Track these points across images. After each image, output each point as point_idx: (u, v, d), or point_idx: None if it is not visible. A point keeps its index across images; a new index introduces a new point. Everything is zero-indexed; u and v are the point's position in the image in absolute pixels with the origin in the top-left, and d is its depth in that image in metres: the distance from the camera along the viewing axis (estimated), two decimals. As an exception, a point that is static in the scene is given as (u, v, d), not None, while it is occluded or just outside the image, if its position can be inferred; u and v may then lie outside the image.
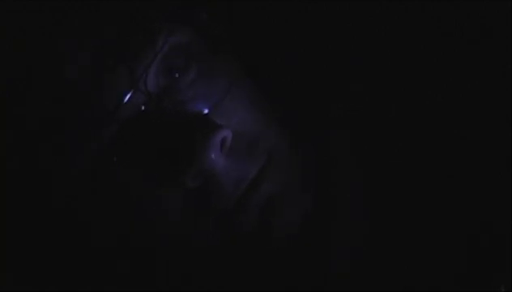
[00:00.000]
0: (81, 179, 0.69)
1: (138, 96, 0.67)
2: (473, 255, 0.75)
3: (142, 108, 0.68)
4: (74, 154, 0.69)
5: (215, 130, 0.67)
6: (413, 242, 0.76)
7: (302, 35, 0.82)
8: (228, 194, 0.69)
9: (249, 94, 0.73)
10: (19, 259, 0.74)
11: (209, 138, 0.67)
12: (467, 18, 0.78)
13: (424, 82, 0.79)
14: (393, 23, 0.80)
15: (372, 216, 0.77)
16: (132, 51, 0.67)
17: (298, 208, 0.73)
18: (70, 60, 0.68)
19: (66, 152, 0.69)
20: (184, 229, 0.71)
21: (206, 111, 0.69)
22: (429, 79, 0.79)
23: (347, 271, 0.76)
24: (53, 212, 0.71)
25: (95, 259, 0.72)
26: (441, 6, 0.78)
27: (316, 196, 0.76)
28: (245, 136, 0.70)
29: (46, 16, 0.68)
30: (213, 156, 0.67)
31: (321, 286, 0.75)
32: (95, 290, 0.73)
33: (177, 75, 0.69)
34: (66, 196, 0.70)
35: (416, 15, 0.79)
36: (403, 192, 0.77)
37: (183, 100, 0.69)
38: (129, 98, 0.67)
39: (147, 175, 0.69)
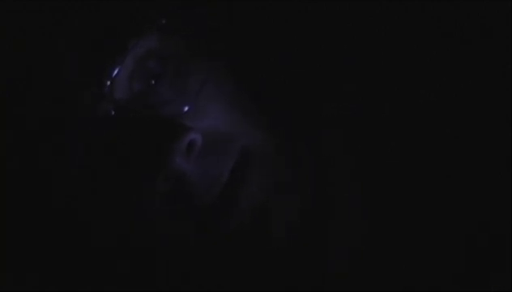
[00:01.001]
0: (81, 179, 0.69)
1: (107, 102, 0.68)
2: (472, 255, 0.75)
3: (112, 113, 0.68)
4: (74, 154, 0.69)
5: (182, 134, 0.67)
6: (411, 241, 0.76)
7: (295, 34, 0.81)
8: (201, 196, 0.69)
9: (228, 94, 0.74)
10: (19, 259, 0.74)
11: (174, 142, 0.67)
12: (467, 18, 0.78)
13: (421, 81, 0.79)
14: (391, 23, 0.80)
15: (370, 215, 0.78)
16: (102, 55, 0.68)
17: (287, 208, 0.73)
18: (70, 60, 0.68)
19: (66, 152, 0.69)
20: (171, 230, 0.71)
21: (179, 114, 0.69)
22: (427, 78, 0.79)
23: (346, 271, 0.76)
24: (53, 212, 0.71)
25: (95, 259, 0.72)
26: (441, 6, 0.78)
27: (314, 196, 0.76)
28: (218, 137, 0.71)
29: (46, 16, 0.68)
30: (178, 160, 0.67)
31: (319, 286, 0.75)
32: (95, 290, 0.73)
33: (153, 82, 0.69)
34: (66, 196, 0.70)
35: (416, 15, 0.79)
36: (401, 192, 0.78)
37: (157, 104, 0.69)
38: (96, 103, 0.68)
39: (124, 179, 0.69)
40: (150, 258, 0.72)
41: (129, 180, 0.69)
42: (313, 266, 0.75)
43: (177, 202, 0.69)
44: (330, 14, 0.81)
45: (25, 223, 0.72)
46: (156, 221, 0.70)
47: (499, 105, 0.77)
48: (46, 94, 0.68)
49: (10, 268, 0.74)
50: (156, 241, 0.71)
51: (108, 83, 0.67)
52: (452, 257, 0.75)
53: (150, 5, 0.72)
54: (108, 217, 0.70)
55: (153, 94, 0.69)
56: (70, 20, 0.68)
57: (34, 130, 0.68)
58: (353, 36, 0.81)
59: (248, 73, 0.77)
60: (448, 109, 0.78)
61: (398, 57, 0.80)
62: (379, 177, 0.78)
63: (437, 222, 0.77)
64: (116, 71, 0.68)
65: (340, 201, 0.78)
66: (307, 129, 0.80)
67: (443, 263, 0.75)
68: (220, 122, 0.71)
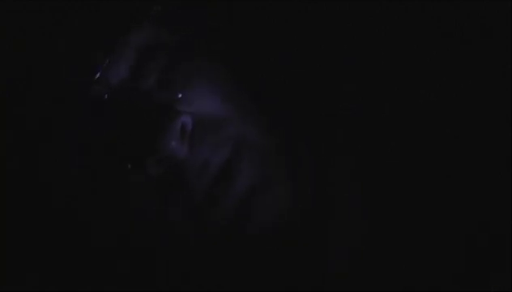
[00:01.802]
0: (81, 179, 0.69)
1: (100, 88, 0.68)
2: (472, 255, 0.75)
3: (106, 97, 0.68)
4: (74, 154, 0.69)
5: (174, 117, 0.67)
6: (411, 241, 0.77)
7: (295, 34, 0.82)
8: (192, 182, 0.69)
9: (224, 84, 0.74)
10: (19, 259, 0.74)
11: (167, 125, 0.67)
12: (467, 18, 0.78)
13: (421, 81, 0.79)
14: (391, 23, 0.80)
15: (370, 215, 0.78)
16: (98, 45, 0.68)
17: (279, 202, 0.73)
18: (70, 60, 0.68)
19: (66, 152, 0.69)
20: (169, 229, 0.71)
21: (172, 98, 0.70)
22: (427, 78, 0.79)
23: (346, 271, 0.76)
24: (53, 212, 0.71)
25: (95, 259, 0.72)
26: (441, 6, 0.78)
27: (314, 196, 0.76)
28: (211, 123, 0.71)
29: (46, 16, 0.68)
30: (173, 143, 0.67)
31: (319, 286, 0.75)
32: (95, 290, 0.73)
33: (147, 70, 0.70)
34: (66, 196, 0.70)
35: (416, 15, 0.79)
36: (400, 192, 0.78)
37: (151, 89, 0.69)
38: (88, 89, 0.68)
39: (118, 166, 0.69)
40: (150, 258, 0.72)
41: (125, 168, 0.69)
42: (313, 266, 0.75)
43: (169, 188, 0.69)
44: (330, 14, 0.81)
45: (25, 223, 0.72)
46: (155, 218, 0.70)
47: (499, 105, 0.77)
48: (46, 94, 0.68)
49: (10, 268, 0.74)
50: (156, 241, 0.71)
51: (104, 68, 0.68)
52: (452, 257, 0.75)
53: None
54: (109, 217, 0.70)
55: (147, 82, 0.70)
56: (70, 20, 0.68)
57: (34, 130, 0.68)
58: (353, 36, 0.81)
59: (248, 73, 0.77)
60: (448, 109, 0.78)
61: (398, 57, 0.80)
62: (379, 177, 0.78)
63: (437, 222, 0.77)
64: (111, 59, 0.68)
65: (340, 201, 0.78)
66: (307, 129, 0.80)
67: (443, 263, 0.75)
68: (214, 108, 0.71)
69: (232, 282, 0.73)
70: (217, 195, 0.69)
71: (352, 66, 0.81)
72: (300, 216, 0.74)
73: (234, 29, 0.79)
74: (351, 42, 0.81)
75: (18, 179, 0.70)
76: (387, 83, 0.80)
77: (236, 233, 0.71)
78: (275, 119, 0.76)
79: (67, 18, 0.68)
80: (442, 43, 0.79)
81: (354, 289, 0.75)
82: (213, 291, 0.73)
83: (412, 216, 0.77)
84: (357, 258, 0.76)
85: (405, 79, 0.79)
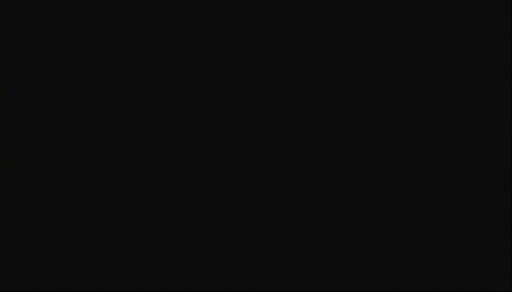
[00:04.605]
0: (81, 179, 0.69)
1: None
2: (471, 254, 0.75)
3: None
4: (73, 154, 0.69)
5: None
6: (411, 242, 0.76)
7: (295, 34, 0.82)
8: None
9: None
10: (19, 259, 0.74)
11: None
12: (467, 18, 0.78)
13: (421, 82, 0.79)
14: (391, 23, 0.80)
15: (369, 215, 0.78)
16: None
17: (288, 208, 0.74)
18: (70, 59, 0.68)
19: (66, 152, 0.69)
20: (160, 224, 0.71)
21: None
22: (428, 78, 0.79)
23: (345, 271, 0.76)
24: (52, 212, 0.71)
25: (94, 259, 0.72)
26: (441, 6, 0.78)
27: (313, 196, 0.76)
28: None
29: (46, 16, 0.68)
30: None
31: (320, 286, 0.75)
32: (95, 290, 0.73)
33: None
34: (65, 196, 0.70)
35: (416, 15, 0.79)
36: (402, 192, 0.78)
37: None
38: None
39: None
40: (150, 258, 0.72)
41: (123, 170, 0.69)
42: (313, 266, 0.75)
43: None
44: (330, 14, 0.81)
45: (25, 223, 0.72)
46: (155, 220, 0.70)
47: (499, 105, 0.77)
48: (46, 94, 0.68)
49: (10, 268, 0.74)
50: (156, 241, 0.71)
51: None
52: (452, 257, 0.75)
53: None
54: (108, 217, 0.70)
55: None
56: (70, 20, 0.68)
57: (34, 131, 0.68)
58: (353, 36, 0.81)
59: (248, 73, 0.77)
60: (448, 109, 0.78)
61: (398, 58, 0.80)
62: (379, 177, 0.78)
63: (437, 222, 0.77)
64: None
65: (339, 201, 0.78)
66: (310, 128, 0.80)
67: (443, 263, 0.75)
68: None
69: (233, 282, 0.73)
70: None
71: (352, 66, 0.81)
72: (300, 216, 0.74)
73: (234, 29, 0.79)
74: (351, 42, 0.81)
75: (18, 179, 0.70)
76: (387, 84, 0.80)
77: (238, 233, 0.71)
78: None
79: (67, 18, 0.68)
80: (442, 43, 0.79)
81: (355, 290, 0.75)
82: (213, 291, 0.73)
83: (412, 216, 0.77)
84: (358, 258, 0.76)
85: (405, 79, 0.79)
